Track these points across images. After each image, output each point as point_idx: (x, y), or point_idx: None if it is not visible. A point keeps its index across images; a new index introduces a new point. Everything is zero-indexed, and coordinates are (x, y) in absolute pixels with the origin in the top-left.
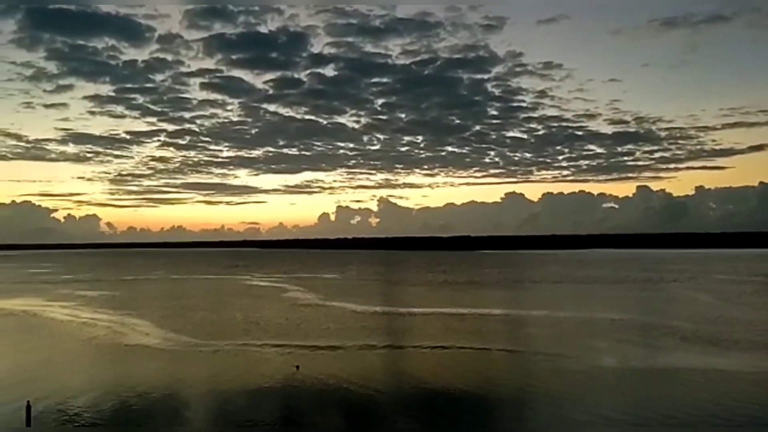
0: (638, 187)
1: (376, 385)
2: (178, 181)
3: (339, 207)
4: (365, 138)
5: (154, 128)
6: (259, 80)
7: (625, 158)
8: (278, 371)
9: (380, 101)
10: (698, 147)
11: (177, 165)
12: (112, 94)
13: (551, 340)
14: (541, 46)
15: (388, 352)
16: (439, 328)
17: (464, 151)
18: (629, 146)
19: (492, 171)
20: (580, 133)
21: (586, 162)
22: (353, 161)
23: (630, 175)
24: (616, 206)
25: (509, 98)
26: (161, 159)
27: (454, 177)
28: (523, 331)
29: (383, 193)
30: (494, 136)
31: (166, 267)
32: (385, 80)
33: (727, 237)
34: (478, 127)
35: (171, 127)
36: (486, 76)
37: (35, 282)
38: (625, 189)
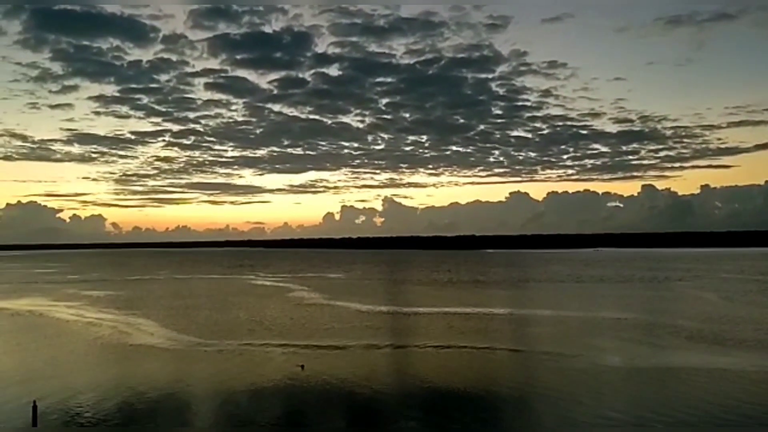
0: (643, 186)
1: (380, 385)
2: (183, 181)
3: (343, 206)
4: (370, 137)
5: (159, 128)
6: (263, 80)
7: (630, 157)
8: (283, 371)
9: (384, 101)
10: (704, 146)
11: (182, 165)
12: (117, 94)
13: (556, 339)
14: (546, 44)
15: (392, 352)
16: (444, 328)
17: (469, 150)
18: (634, 145)
19: (496, 170)
20: (584, 132)
21: (591, 161)
22: (358, 161)
23: (635, 174)
24: (621, 205)
25: (514, 97)
26: (166, 159)
27: (459, 176)
28: (527, 331)
29: (388, 192)
30: (499, 136)
31: (170, 267)
32: (389, 80)
33: (733, 236)
34: (482, 127)
35: (176, 127)
36: (490, 76)
37: (41, 282)
38: (630, 188)
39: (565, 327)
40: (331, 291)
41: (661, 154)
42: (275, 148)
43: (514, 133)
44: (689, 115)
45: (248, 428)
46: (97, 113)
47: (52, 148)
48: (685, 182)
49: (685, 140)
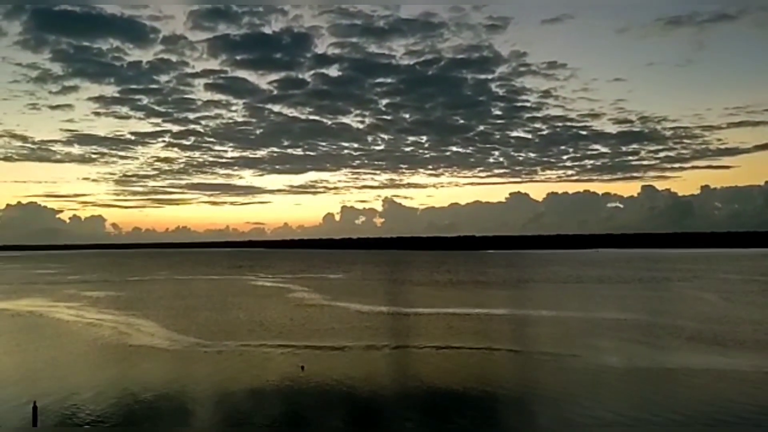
0: (643, 186)
1: (381, 386)
2: (183, 182)
3: (343, 207)
4: (369, 138)
5: (159, 129)
6: (263, 81)
7: (630, 158)
8: (283, 371)
9: (384, 101)
10: (703, 146)
11: (182, 165)
12: (117, 95)
13: (556, 340)
14: (546, 45)
15: (393, 353)
16: (444, 328)
17: (468, 150)
18: (634, 146)
19: (496, 171)
20: (584, 132)
21: (591, 162)
22: (358, 161)
23: (635, 174)
24: (621, 206)
25: (513, 98)
26: (166, 160)
27: (459, 177)
28: (528, 331)
29: (388, 193)
30: (498, 136)
31: (170, 267)
32: (389, 80)
33: (733, 236)
34: (482, 127)
35: (176, 128)
36: (490, 76)
37: (41, 282)
38: (630, 188)
39: (566, 327)
40: (331, 291)
41: (661, 154)
42: (275, 149)
43: (514, 134)
44: (689, 115)
45: (249, 428)
46: (97, 114)
47: (52, 148)
48: (685, 183)
49: (685, 141)
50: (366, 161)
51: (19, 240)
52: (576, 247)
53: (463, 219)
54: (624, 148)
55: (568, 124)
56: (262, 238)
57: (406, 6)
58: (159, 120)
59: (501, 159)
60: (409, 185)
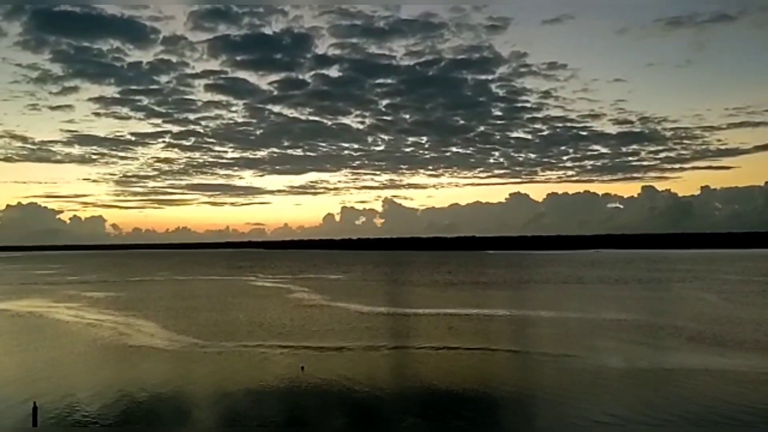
0: (643, 187)
1: (381, 386)
2: (183, 182)
3: (344, 207)
4: (370, 139)
5: (159, 129)
6: (263, 81)
7: (630, 158)
8: (284, 372)
9: (385, 102)
10: (704, 147)
11: (182, 166)
12: (117, 95)
13: (557, 340)
14: (546, 46)
15: (393, 353)
16: (445, 329)
17: (469, 151)
18: (634, 146)
19: (497, 171)
20: (584, 133)
21: (591, 162)
22: (358, 162)
23: (635, 175)
24: (621, 206)
25: (513, 99)
26: (166, 160)
27: (459, 177)
28: (528, 332)
29: (388, 193)
30: (499, 137)
31: (171, 268)
32: (389, 81)
33: (733, 237)
34: (482, 128)
35: (176, 129)
36: (490, 77)
37: (41, 283)
38: (630, 189)
39: (566, 328)
40: (331, 292)
41: (661, 155)
42: (275, 149)
43: (514, 135)
44: (689, 116)
45: (249, 429)
46: (98, 114)
47: (53, 149)
48: (686, 183)
49: (685, 141)
50: (366, 162)
51: (20, 240)
52: (576, 247)
53: (463, 219)
54: (624, 149)
55: (569, 124)
56: (262, 239)
57: (407, 6)
58: (159, 120)
59: (501, 159)
60: (409, 186)
